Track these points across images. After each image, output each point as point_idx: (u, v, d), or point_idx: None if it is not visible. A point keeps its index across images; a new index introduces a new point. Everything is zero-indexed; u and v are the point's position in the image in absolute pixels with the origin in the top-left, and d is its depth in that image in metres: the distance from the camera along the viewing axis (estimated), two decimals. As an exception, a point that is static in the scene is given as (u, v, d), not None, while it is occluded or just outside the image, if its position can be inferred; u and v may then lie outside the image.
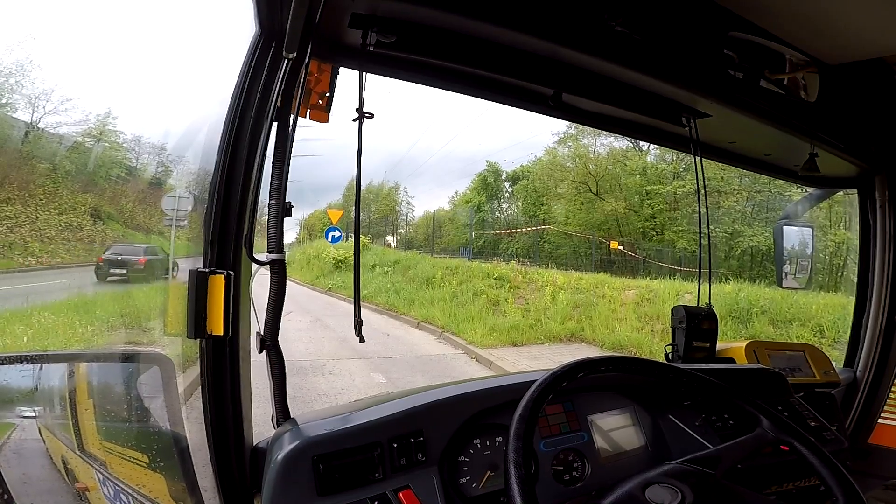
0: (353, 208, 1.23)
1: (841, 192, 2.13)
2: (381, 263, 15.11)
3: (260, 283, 0.99)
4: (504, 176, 22.07)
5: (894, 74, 1.46)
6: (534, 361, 7.66)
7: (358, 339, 1.01)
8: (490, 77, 1.17)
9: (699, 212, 1.83)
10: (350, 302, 1.23)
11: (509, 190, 22.29)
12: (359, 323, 1.01)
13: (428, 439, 0.88)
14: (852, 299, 1.99)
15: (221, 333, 0.89)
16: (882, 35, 1.21)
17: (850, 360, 1.95)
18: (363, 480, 0.82)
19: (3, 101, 11.50)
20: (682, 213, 16.24)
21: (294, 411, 0.97)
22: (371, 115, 1.03)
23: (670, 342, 1.56)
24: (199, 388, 0.92)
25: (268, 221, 0.91)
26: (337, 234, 15.90)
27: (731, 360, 1.61)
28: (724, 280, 11.56)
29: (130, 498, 0.91)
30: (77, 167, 12.25)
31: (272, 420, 0.97)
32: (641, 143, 16.57)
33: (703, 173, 1.53)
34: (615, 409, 1.08)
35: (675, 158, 16.65)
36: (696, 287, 1.66)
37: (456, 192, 25.05)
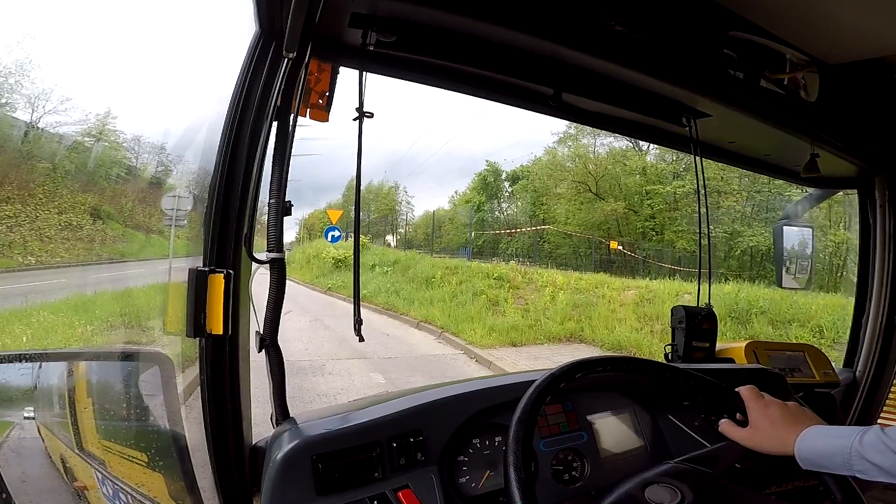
0: (353, 208, 1.23)
1: (841, 192, 2.13)
2: (380, 263, 15.11)
3: (259, 283, 0.98)
4: (504, 175, 22.11)
5: (894, 74, 1.46)
6: (533, 362, 7.67)
7: (357, 338, 1.00)
8: (490, 77, 1.17)
9: (699, 212, 1.83)
10: (349, 301, 1.23)
11: (509, 190, 22.33)
12: (358, 322, 1.01)
13: (427, 439, 0.88)
14: (852, 300, 1.99)
15: (221, 332, 0.88)
16: (882, 35, 1.21)
17: (850, 360, 1.95)
18: (362, 480, 0.82)
19: (3, 100, 11.51)
20: (681, 214, 16.25)
21: (293, 411, 0.97)
22: (371, 115, 1.03)
23: (670, 342, 1.56)
24: (199, 387, 0.92)
25: (268, 221, 0.91)
26: (336, 233, 15.89)
27: (731, 361, 1.61)
28: (723, 280, 11.56)
29: (129, 497, 0.91)
30: (77, 166, 12.26)
31: (271, 419, 0.96)
32: (641, 143, 16.61)
33: (703, 173, 1.52)
34: (615, 409, 1.08)
35: (674, 158, 16.67)
36: (696, 287, 1.65)
37: (456, 192, 25.14)
